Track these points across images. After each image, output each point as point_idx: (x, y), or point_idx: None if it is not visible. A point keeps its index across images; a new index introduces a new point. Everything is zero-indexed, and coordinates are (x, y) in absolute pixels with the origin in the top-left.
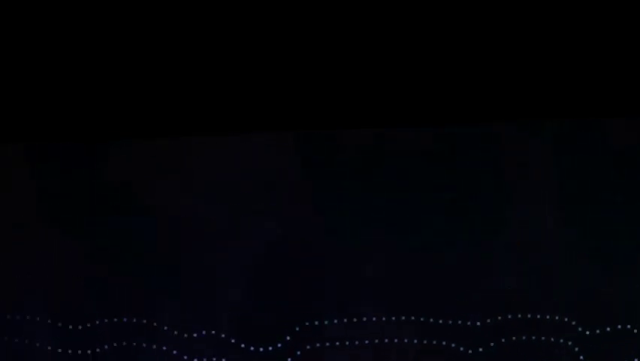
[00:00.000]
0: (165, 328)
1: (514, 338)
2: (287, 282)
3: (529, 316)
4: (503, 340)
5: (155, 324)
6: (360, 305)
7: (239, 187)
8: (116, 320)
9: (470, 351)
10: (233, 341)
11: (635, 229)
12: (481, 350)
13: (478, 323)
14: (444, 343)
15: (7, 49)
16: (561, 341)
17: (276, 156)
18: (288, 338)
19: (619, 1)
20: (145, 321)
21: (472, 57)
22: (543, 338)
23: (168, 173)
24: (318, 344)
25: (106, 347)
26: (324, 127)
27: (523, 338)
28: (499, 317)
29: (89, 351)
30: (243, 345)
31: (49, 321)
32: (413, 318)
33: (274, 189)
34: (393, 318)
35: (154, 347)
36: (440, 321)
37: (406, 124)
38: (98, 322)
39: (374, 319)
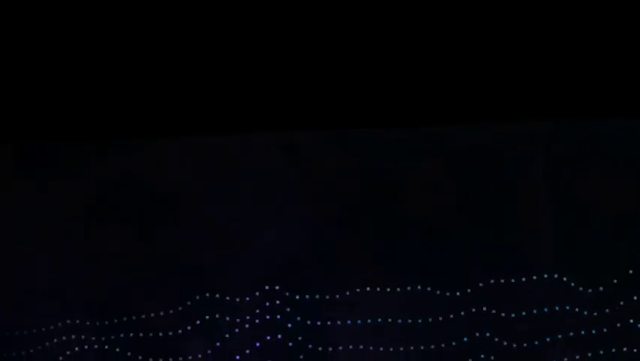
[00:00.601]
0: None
1: None
2: (286, 282)
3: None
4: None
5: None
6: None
7: (239, 187)
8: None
9: None
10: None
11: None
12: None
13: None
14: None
15: (7, 49)
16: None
17: (276, 156)
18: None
19: (619, 2)
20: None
21: (472, 58)
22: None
23: (168, 173)
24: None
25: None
26: (324, 127)
27: None
28: None
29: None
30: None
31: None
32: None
33: (274, 190)
34: (399, 289)
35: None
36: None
37: (406, 124)
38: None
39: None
